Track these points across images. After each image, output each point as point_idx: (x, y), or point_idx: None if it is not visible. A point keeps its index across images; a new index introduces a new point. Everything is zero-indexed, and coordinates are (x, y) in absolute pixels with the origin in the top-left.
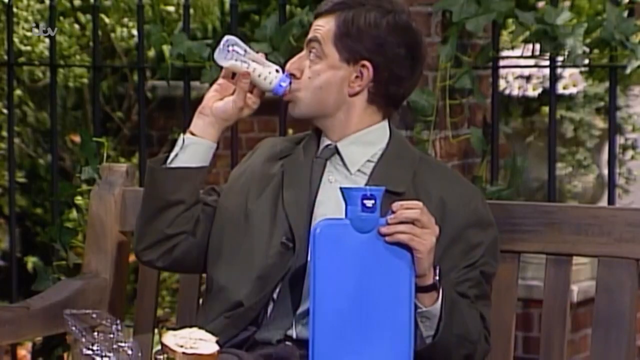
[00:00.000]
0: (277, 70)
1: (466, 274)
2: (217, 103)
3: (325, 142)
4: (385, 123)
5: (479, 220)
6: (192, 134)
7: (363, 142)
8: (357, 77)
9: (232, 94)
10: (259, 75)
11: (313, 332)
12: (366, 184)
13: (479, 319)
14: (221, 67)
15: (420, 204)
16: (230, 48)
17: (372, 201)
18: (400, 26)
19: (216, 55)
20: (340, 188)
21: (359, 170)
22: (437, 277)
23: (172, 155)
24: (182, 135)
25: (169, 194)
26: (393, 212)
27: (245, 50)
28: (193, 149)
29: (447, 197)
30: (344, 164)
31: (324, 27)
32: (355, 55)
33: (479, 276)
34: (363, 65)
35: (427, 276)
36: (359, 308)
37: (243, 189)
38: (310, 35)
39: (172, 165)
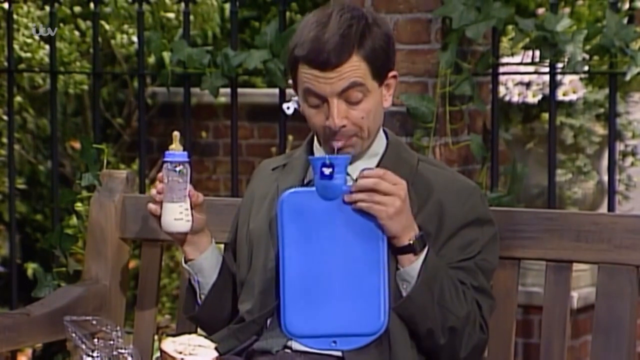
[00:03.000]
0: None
1: (459, 263)
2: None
3: (323, 154)
4: (381, 131)
5: (477, 218)
6: (190, 259)
7: (367, 156)
8: (386, 87)
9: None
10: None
11: (283, 297)
12: None
13: (472, 302)
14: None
15: (380, 171)
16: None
17: (330, 169)
18: (383, 21)
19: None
20: (309, 158)
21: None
22: (413, 240)
23: (198, 295)
24: (187, 269)
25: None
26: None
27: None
28: (203, 265)
29: (444, 198)
30: (348, 175)
31: (356, 69)
32: (386, 72)
33: (474, 267)
34: (392, 76)
35: (400, 238)
36: (327, 272)
37: (245, 217)
38: (342, 85)
39: (203, 297)
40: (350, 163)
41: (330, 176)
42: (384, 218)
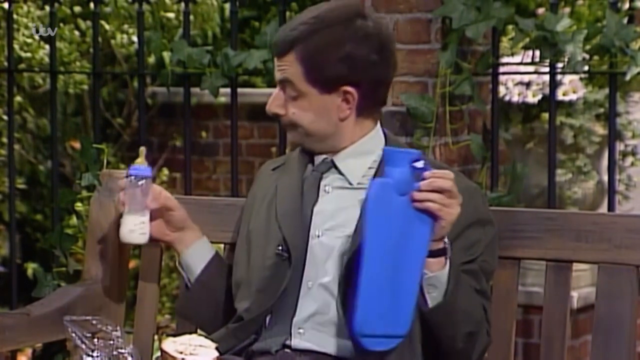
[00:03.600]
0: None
1: (464, 266)
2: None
3: (320, 156)
4: (379, 127)
5: (479, 219)
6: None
7: (359, 153)
8: (343, 100)
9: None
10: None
11: (359, 293)
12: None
13: (480, 306)
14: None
15: (451, 174)
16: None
17: (422, 162)
18: (365, 34)
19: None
20: (385, 149)
21: (359, 183)
22: (446, 244)
23: (185, 279)
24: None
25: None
26: (423, 179)
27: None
28: (188, 262)
29: None
30: (344, 176)
31: (289, 67)
32: (334, 84)
33: (477, 269)
34: (346, 92)
35: (440, 241)
36: (392, 266)
37: (247, 218)
38: (279, 76)
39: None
40: (335, 154)
41: (422, 170)
42: (448, 221)
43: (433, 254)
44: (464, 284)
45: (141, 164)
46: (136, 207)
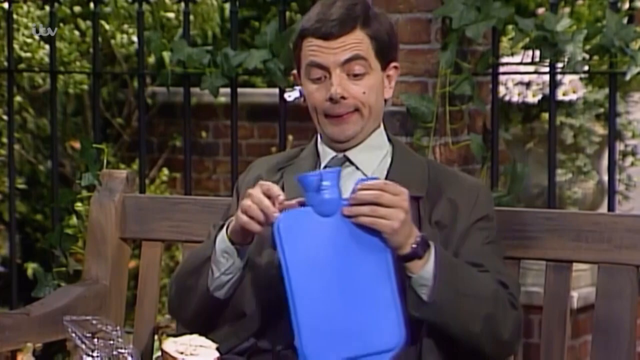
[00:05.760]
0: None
1: (476, 255)
2: None
3: (330, 153)
4: (382, 125)
5: (485, 215)
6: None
7: (370, 147)
8: (387, 77)
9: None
10: None
11: (298, 327)
12: None
13: (495, 282)
14: None
15: (381, 182)
16: None
17: (328, 182)
18: (386, 16)
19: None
20: (298, 177)
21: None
22: (415, 245)
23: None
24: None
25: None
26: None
27: None
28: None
29: (457, 199)
30: (359, 170)
31: (359, 43)
32: (390, 59)
33: (490, 252)
34: (394, 67)
35: (404, 247)
36: (340, 291)
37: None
38: (345, 55)
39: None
40: (347, 150)
41: (327, 191)
42: (389, 233)
43: (405, 258)
44: (463, 269)
45: None
46: None
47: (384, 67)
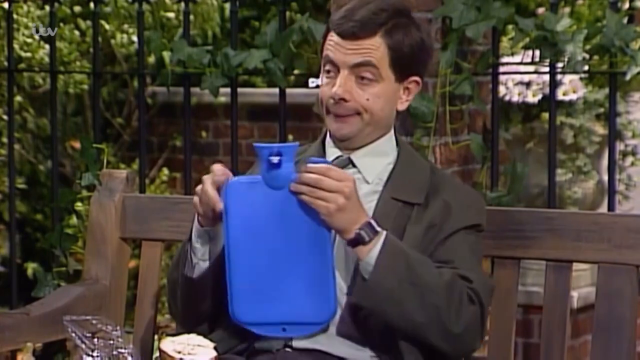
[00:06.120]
0: None
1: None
2: None
3: (335, 152)
4: (392, 132)
5: (477, 224)
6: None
7: (376, 153)
8: (405, 91)
9: None
10: None
11: (230, 285)
12: (381, 194)
13: (453, 275)
14: None
15: (324, 167)
16: None
17: (278, 157)
18: (428, 28)
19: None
20: (255, 145)
21: (375, 178)
22: (359, 230)
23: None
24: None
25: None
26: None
27: None
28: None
29: (452, 201)
30: (360, 173)
31: (374, 50)
32: (409, 72)
33: (465, 250)
34: (414, 81)
35: (346, 232)
36: (276, 260)
37: None
38: (355, 59)
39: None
40: (352, 151)
41: (278, 165)
42: (325, 214)
43: (350, 243)
44: (414, 258)
45: None
46: None
47: (401, 79)
